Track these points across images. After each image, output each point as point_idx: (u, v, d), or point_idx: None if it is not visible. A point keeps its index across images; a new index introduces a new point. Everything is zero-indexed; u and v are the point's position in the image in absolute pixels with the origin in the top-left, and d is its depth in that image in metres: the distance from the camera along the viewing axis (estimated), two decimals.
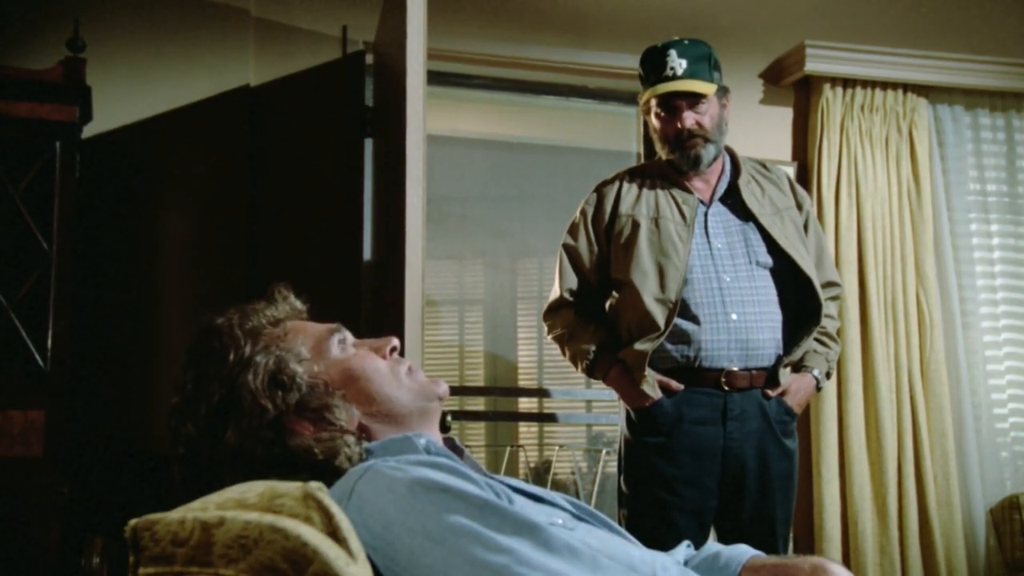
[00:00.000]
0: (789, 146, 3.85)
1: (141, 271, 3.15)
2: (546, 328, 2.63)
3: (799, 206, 2.59)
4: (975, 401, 3.80)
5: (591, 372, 2.49)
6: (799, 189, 2.64)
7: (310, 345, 1.22)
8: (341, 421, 1.17)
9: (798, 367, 2.51)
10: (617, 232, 2.49)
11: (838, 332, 2.63)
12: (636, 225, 2.46)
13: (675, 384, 2.39)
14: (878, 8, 3.99)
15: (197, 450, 1.16)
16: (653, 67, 2.47)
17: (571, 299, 2.55)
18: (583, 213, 2.57)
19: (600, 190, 2.58)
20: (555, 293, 2.58)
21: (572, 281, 2.55)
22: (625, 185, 2.54)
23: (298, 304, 1.30)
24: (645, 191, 2.51)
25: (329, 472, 1.12)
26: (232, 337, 1.18)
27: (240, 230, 3.23)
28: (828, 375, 2.57)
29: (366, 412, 1.20)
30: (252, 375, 1.15)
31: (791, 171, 3.78)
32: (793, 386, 2.47)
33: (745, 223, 2.48)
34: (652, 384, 2.38)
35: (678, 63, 2.43)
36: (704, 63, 2.46)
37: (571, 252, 2.56)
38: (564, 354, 2.57)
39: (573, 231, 2.57)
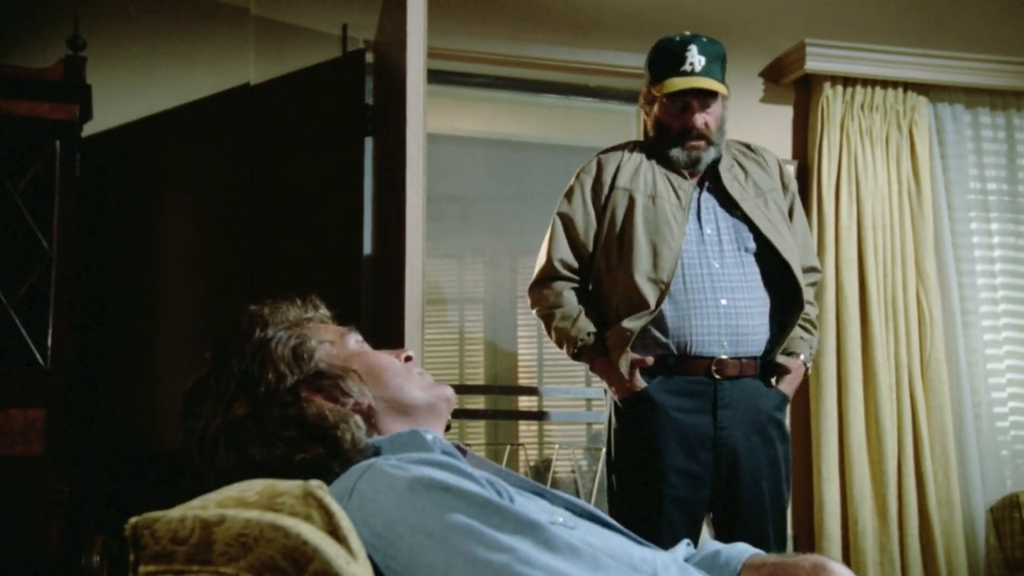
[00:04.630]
0: (789, 144, 3.85)
1: (141, 270, 3.15)
2: (530, 301, 2.56)
3: (784, 188, 2.57)
4: (975, 400, 3.80)
5: (579, 356, 2.46)
6: (787, 170, 2.62)
7: (331, 336, 1.29)
8: (354, 396, 1.21)
9: (785, 352, 2.49)
10: (613, 205, 2.46)
11: (817, 318, 2.61)
12: (632, 200, 2.43)
13: (649, 360, 2.36)
14: (878, 7, 3.99)
15: (209, 421, 1.18)
16: (670, 59, 2.44)
17: (562, 271, 2.49)
18: (580, 181, 2.53)
19: (600, 159, 2.54)
20: (544, 263, 2.52)
21: (564, 251, 2.49)
22: (625, 156, 2.51)
23: (326, 312, 1.38)
24: (643, 167, 2.48)
25: (332, 453, 1.15)
26: (260, 317, 1.26)
27: (240, 229, 3.23)
28: (811, 360, 2.57)
29: (378, 396, 1.24)
30: (275, 345, 1.22)
31: (791, 169, 3.77)
32: (786, 378, 2.47)
33: (734, 209, 2.47)
34: (627, 362, 2.35)
35: (697, 59, 2.41)
36: (719, 63, 2.45)
37: (566, 220, 2.51)
38: (549, 333, 2.52)
39: (570, 197, 2.52)
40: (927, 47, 3.86)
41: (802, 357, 2.50)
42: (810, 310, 2.53)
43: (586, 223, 2.49)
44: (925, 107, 3.86)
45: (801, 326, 2.50)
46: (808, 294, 2.53)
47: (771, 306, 2.45)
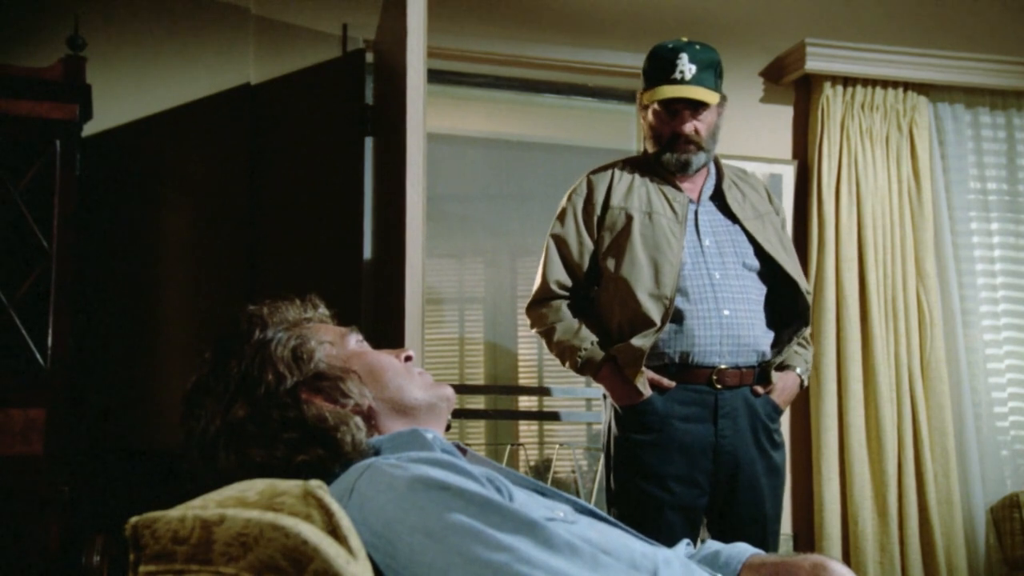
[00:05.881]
0: (789, 144, 3.85)
1: (141, 270, 3.15)
2: (530, 321, 2.58)
3: (776, 211, 2.61)
4: (975, 399, 3.80)
5: (582, 369, 2.47)
6: (773, 196, 2.67)
7: (331, 337, 1.28)
8: (354, 397, 1.21)
9: (781, 366, 2.52)
10: (609, 224, 2.48)
11: (810, 336, 2.64)
12: (629, 218, 2.45)
13: (666, 382, 2.38)
14: (879, 6, 3.99)
15: (209, 423, 1.18)
16: (661, 67, 2.46)
17: (558, 291, 2.51)
18: (572, 203, 2.54)
19: (590, 179, 2.56)
20: (539, 284, 2.54)
21: (560, 272, 2.51)
22: (616, 175, 2.53)
23: (325, 311, 1.37)
24: (636, 184, 2.51)
25: (332, 455, 1.15)
26: (259, 318, 1.25)
27: (240, 229, 3.23)
28: (807, 376, 2.59)
29: (378, 397, 1.24)
30: (274, 346, 1.21)
31: (791, 169, 3.79)
32: (780, 384, 2.48)
33: (731, 225, 2.50)
34: (645, 381, 2.38)
35: (687, 68, 2.43)
36: (711, 71, 2.46)
37: (559, 242, 2.53)
38: (551, 349, 2.53)
39: (562, 219, 2.54)
40: (927, 47, 3.86)
41: (798, 371, 2.52)
42: (804, 332, 2.56)
43: (580, 244, 2.51)
44: (925, 107, 3.86)
45: (800, 344, 2.54)
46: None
47: (772, 320, 2.48)
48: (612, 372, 2.41)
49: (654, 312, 2.36)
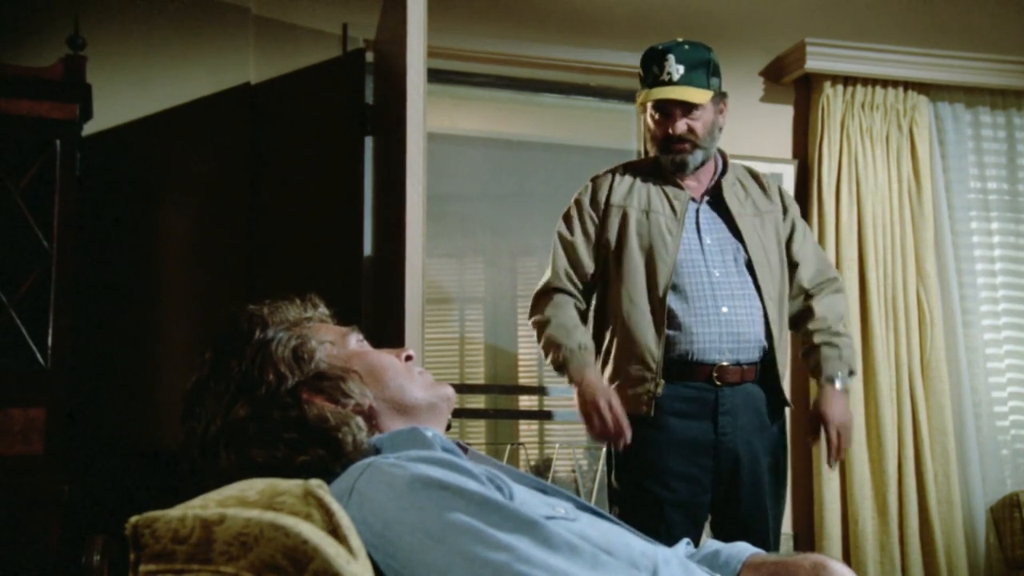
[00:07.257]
0: (789, 144, 3.85)
1: (141, 269, 3.15)
2: (530, 310, 2.56)
3: (785, 210, 2.59)
4: (975, 399, 3.80)
5: (564, 366, 2.44)
6: (788, 196, 2.65)
7: (331, 337, 1.27)
8: (355, 397, 1.21)
9: (816, 377, 2.51)
10: (609, 223, 2.50)
11: (842, 321, 2.60)
12: (626, 216, 2.47)
13: (620, 416, 2.35)
14: (879, 6, 3.99)
15: (210, 423, 1.18)
16: (651, 69, 2.47)
17: (566, 283, 2.51)
18: (577, 203, 2.57)
19: (594, 181, 2.58)
20: (549, 275, 2.54)
21: (564, 268, 2.52)
22: (618, 177, 2.55)
23: (325, 310, 1.37)
24: (638, 184, 2.52)
25: (333, 455, 1.15)
26: (260, 318, 1.25)
27: (240, 228, 3.23)
28: (852, 372, 2.55)
29: (379, 397, 1.24)
30: (275, 346, 1.21)
31: (791, 169, 3.78)
32: (828, 411, 2.46)
33: (731, 223, 2.50)
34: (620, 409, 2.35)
35: (675, 68, 2.43)
36: (702, 69, 2.46)
37: (565, 243, 2.54)
38: (539, 339, 2.50)
39: (568, 220, 2.56)
40: (927, 46, 3.86)
41: (835, 379, 2.49)
42: (834, 322, 2.55)
43: (585, 241, 2.52)
44: (925, 106, 3.86)
45: (827, 343, 2.52)
46: (834, 304, 2.57)
47: (769, 315, 2.47)
48: (597, 378, 2.40)
49: (646, 312, 2.39)
